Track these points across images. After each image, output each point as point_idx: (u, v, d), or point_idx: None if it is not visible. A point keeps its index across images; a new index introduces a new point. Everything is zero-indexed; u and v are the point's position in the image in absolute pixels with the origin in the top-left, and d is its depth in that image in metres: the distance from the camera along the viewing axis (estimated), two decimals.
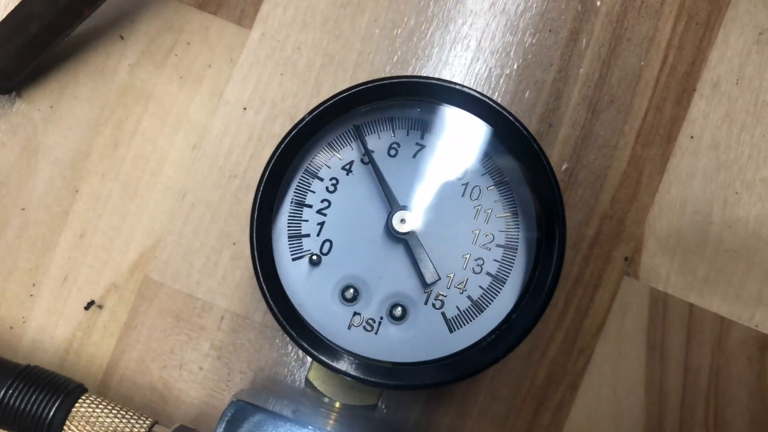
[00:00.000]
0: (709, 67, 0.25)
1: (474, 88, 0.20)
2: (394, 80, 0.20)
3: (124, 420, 0.21)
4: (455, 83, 0.20)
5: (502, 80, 0.25)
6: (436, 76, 0.24)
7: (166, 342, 0.25)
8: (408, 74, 0.23)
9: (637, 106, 0.24)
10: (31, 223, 0.25)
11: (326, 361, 0.19)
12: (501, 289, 0.20)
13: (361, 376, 0.19)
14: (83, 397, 0.21)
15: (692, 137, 0.24)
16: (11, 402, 0.21)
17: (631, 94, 0.25)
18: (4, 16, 0.23)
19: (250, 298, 0.24)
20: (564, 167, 0.24)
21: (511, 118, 0.20)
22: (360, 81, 0.21)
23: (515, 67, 0.25)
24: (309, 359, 0.22)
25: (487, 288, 0.21)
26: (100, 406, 0.21)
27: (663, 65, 0.25)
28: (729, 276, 0.24)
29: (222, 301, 0.24)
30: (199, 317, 0.24)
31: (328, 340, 0.19)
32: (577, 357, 0.24)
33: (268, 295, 0.19)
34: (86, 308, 0.25)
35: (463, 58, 0.25)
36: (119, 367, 0.24)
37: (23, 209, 0.25)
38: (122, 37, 0.25)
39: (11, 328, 0.24)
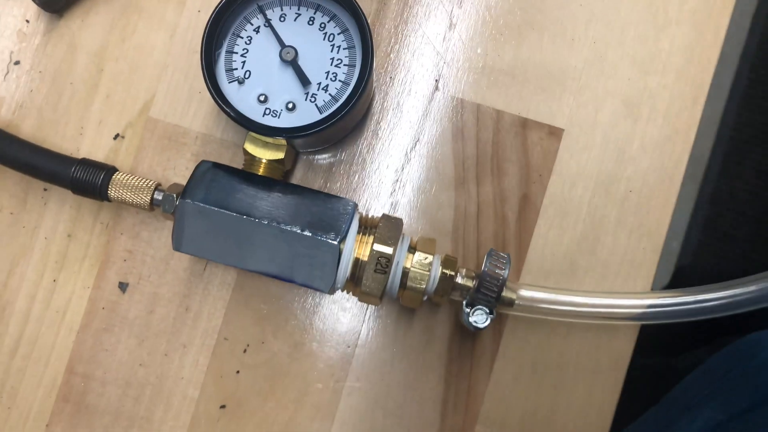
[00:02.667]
0: None
1: None
2: None
3: (142, 182, 0.36)
4: None
5: None
6: None
7: (163, 155, 0.39)
8: None
9: None
10: (76, 92, 0.40)
11: (252, 128, 0.34)
12: (346, 88, 0.36)
13: (268, 133, 0.34)
14: (117, 173, 0.36)
15: None
16: (77, 176, 0.36)
17: None
18: None
19: (212, 123, 0.39)
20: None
21: None
22: None
23: None
24: (244, 142, 0.37)
25: (339, 88, 0.36)
26: (128, 176, 0.36)
27: None
28: (502, 87, 0.39)
29: (196, 127, 0.39)
30: (183, 138, 0.39)
31: (251, 119, 0.35)
32: (415, 142, 0.39)
33: (217, 99, 0.34)
34: (114, 139, 0.40)
35: None
36: (137, 171, 0.39)
37: (71, 84, 0.40)
38: None
39: (70, 154, 0.40)
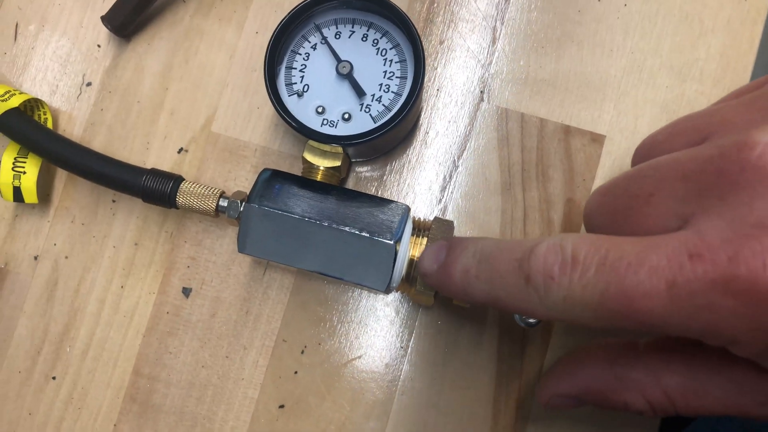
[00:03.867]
0: None
1: None
2: None
3: (207, 189, 0.38)
4: None
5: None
6: None
7: (224, 166, 0.42)
8: None
9: None
10: (143, 108, 0.43)
11: (311, 136, 0.36)
12: (399, 98, 0.38)
13: (326, 141, 0.37)
14: (184, 182, 0.39)
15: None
16: (147, 184, 0.38)
17: None
18: None
19: (270, 137, 0.42)
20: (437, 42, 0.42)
21: (400, 11, 0.37)
22: None
23: None
24: (303, 152, 0.39)
25: (392, 99, 0.38)
26: (194, 185, 0.38)
27: None
28: (545, 96, 0.41)
29: (255, 140, 0.42)
30: (243, 151, 0.42)
31: (310, 128, 0.37)
32: (462, 150, 0.41)
33: (280, 111, 0.37)
34: (178, 152, 0.43)
35: None
36: (200, 182, 0.42)
37: (138, 102, 0.43)
38: (184, 1, 0.43)
39: None
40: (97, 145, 0.42)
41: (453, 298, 0.34)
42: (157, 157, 0.42)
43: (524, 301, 0.25)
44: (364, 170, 0.41)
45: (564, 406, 0.31)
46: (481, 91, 0.41)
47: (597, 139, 0.40)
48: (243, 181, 0.41)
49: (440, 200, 0.40)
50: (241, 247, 0.36)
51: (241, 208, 0.36)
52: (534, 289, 0.24)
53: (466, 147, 0.41)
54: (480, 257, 0.27)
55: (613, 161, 0.40)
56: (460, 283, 0.28)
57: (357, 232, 0.35)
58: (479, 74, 0.41)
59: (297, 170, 0.40)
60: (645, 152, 0.29)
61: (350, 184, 0.41)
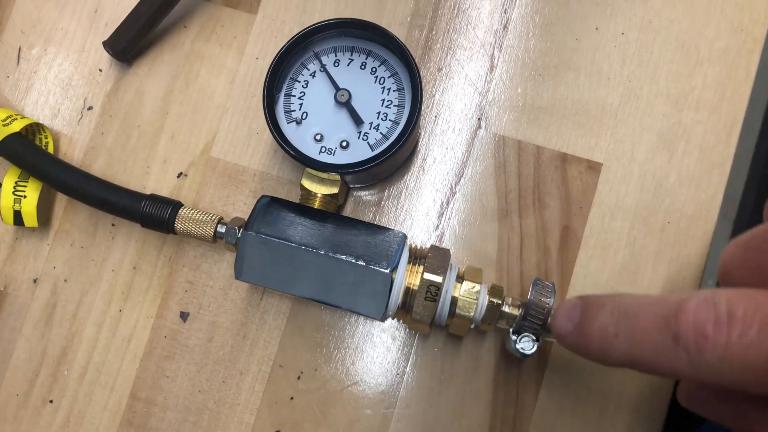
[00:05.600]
0: None
1: (376, 23, 0.38)
2: (332, 21, 0.38)
3: (206, 215, 0.38)
4: (363, 20, 0.38)
5: (395, 27, 0.43)
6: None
7: (223, 191, 0.42)
8: (337, 17, 0.41)
9: None
10: (143, 132, 0.43)
11: (309, 164, 0.37)
12: (396, 127, 0.38)
13: (324, 169, 0.37)
14: (183, 207, 0.39)
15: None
16: (146, 210, 0.39)
17: None
18: (131, 10, 0.42)
19: (269, 162, 0.42)
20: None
21: (398, 40, 0.38)
22: None
23: (407, 16, 0.43)
24: (301, 178, 0.40)
25: (390, 127, 0.38)
26: (192, 210, 0.39)
27: None
28: (542, 124, 0.42)
29: (254, 165, 0.42)
30: (241, 176, 0.42)
31: (309, 157, 0.37)
32: (460, 177, 0.41)
33: (278, 138, 0.37)
34: (178, 177, 0.43)
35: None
36: (199, 207, 0.42)
37: (139, 126, 0.43)
38: (185, 27, 0.44)
39: (137, 191, 0.42)
40: (97, 168, 0.42)
41: (590, 360, 0.32)
42: (156, 181, 0.42)
43: (671, 362, 0.23)
44: (362, 195, 0.41)
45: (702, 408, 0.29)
46: (479, 119, 0.41)
47: (593, 167, 0.40)
48: (242, 206, 0.41)
49: (437, 226, 0.41)
50: (238, 274, 0.36)
51: (239, 235, 0.36)
52: (684, 349, 0.22)
53: (463, 174, 0.41)
54: (619, 315, 0.26)
55: (609, 189, 0.40)
56: (597, 343, 0.26)
57: (353, 261, 0.35)
58: (477, 101, 0.41)
59: (295, 196, 0.40)
60: None
61: (348, 209, 0.41)
